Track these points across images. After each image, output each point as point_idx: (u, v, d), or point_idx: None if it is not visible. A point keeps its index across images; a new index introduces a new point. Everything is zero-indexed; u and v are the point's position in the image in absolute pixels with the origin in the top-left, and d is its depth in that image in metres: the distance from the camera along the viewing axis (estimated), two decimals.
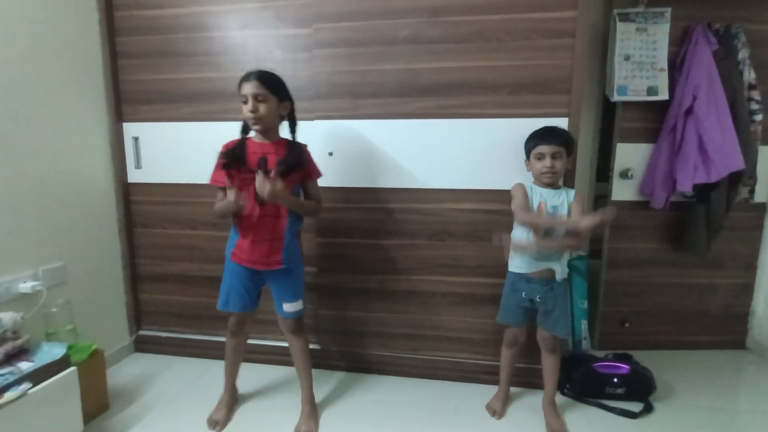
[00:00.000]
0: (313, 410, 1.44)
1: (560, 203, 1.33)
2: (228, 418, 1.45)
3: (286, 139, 1.34)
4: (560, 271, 1.34)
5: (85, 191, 1.67)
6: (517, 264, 1.38)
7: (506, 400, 1.53)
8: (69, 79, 1.58)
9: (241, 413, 1.49)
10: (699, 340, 1.99)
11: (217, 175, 1.31)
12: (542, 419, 1.44)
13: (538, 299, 1.35)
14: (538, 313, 1.39)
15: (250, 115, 1.23)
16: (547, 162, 1.30)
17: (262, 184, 1.17)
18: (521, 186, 1.36)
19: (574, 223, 1.24)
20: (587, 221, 1.17)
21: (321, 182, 1.64)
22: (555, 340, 1.40)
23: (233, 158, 1.26)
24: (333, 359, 1.78)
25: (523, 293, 1.37)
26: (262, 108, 1.23)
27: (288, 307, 1.37)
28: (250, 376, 1.71)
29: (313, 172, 1.38)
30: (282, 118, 1.32)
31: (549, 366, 1.42)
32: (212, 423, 1.41)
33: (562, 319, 1.37)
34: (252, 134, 1.33)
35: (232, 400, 1.52)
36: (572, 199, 1.34)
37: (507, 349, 1.49)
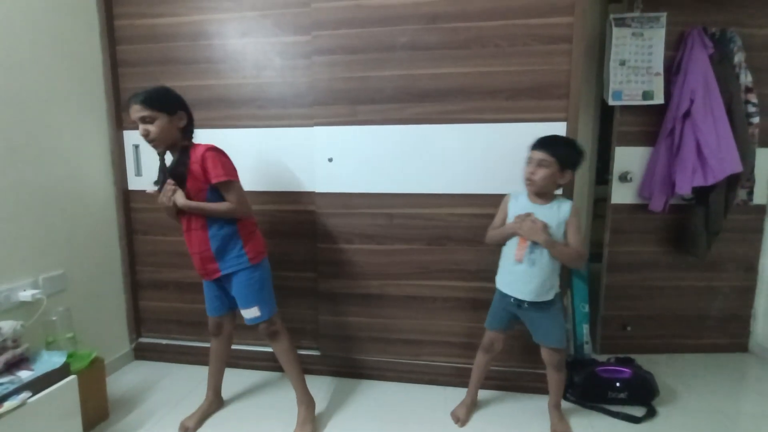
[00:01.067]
0: (309, 412, 1.43)
1: (550, 218, 1.27)
2: (199, 425, 1.44)
3: (187, 147, 1.29)
4: (549, 292, 1.31)
5: (86, 199, 1.67)
6: (501, 281, 1.38)
7: (473, 407, 1.50)
8: (70, 87, 1.60)
9: (240, 419, 1.49)
10: (701, 343, 1.98)
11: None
12: (546, 423, 1.43)
13: (525, 306, 1.32)
14: (529, 323, 1.36)
15: (143, 137, 1.24)
16: (531, 168, 1.27)
17: (161, 196, 1.26)
18: (504, 199, 1.38)
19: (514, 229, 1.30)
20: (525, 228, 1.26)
21: (322, 187, 1.65)
22: (558, 357, 1.36)
23: (158, 180, 1.31)
24: (333, 365, 1.77)
25: (512, 299, 1.33)
26: (153, 129, 1.22)
27: (245, 314, 1.35)
28: (250, 381, 1.71)
29: (211, 174, 1.25)
30: (183, 130, 1.29)
31: (555, 381, 1.40)
32: (182, 428, 1.41)
33: (553, 329, 1.33)
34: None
35: (211, 408, 1.51)
36: (567, 214, 1.27)
37: (482, 354, 1.46)
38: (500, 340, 1.43)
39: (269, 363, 1.80)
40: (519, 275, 1.31)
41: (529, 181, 1.27)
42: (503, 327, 1.41)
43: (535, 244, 1.26)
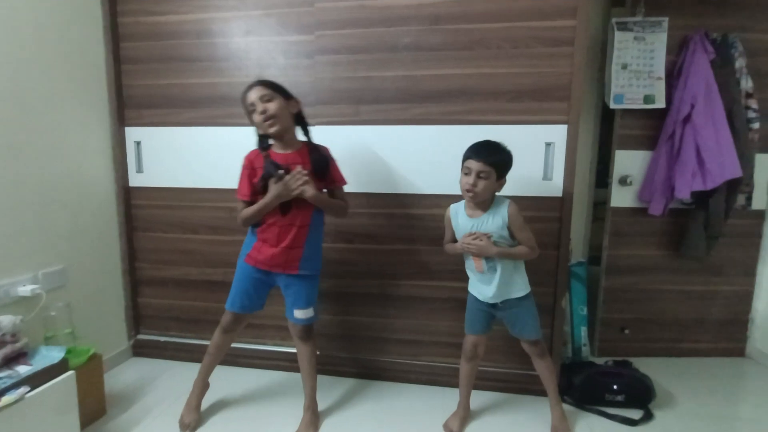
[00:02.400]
0: (314, 418, 1.43)
1: (492, 226, 1.27)
2: (201, 418, 1.45)
3: (306, 144, 1.34)
4: (523, 289, 1.33)
5: (87, 195, 1.67)
6: (472, 288, 1.39)
7: (466, 417, 1.47)
8: (73, 83, 1.60)
9: (241, 418, 1.49)
10: (699, 347, 1.99)
11: (243, 189, 1.32)
12: (545, 426, 1.43)
13: (500, 304, 1.34)
14: (506, 321, 1.37)
15: (261, 118, 1.23)
16: (471, 179, 1.22)
17: (292, 179, 1.20)
18: (446, 215, 1.38)
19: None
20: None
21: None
22: (537, 345, 1.38)
23: (267, 178, 1.26)
24: (333, 364, 1.77)
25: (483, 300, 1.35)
26: (272, 106, 1.23)
27: (299, 314, 1.37)
28: (251, 380, 1.71)
29: (337, 179, 1.38)
30: (294, 118, 1.32)
31: (543, 369, 1.40)
32: (183, 426, 1.40)
33: (529, 322, 1.35)
34: (272, 144, 1.33)
35: (202, 395, 1.50)
36: (506, 217, 1.26)
37: (467, 362, 1.43)
38: (482, 343, 1.42)
39: (266, 362, 1.80)
40: (485, 282, 1.33)
41: (471, 193, 1.24)
42: (483, 329, 1.40)
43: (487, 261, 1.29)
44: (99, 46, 1.70)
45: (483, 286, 1.34)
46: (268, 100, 1.24)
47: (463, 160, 1.27)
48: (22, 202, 1.41)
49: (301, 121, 1.36)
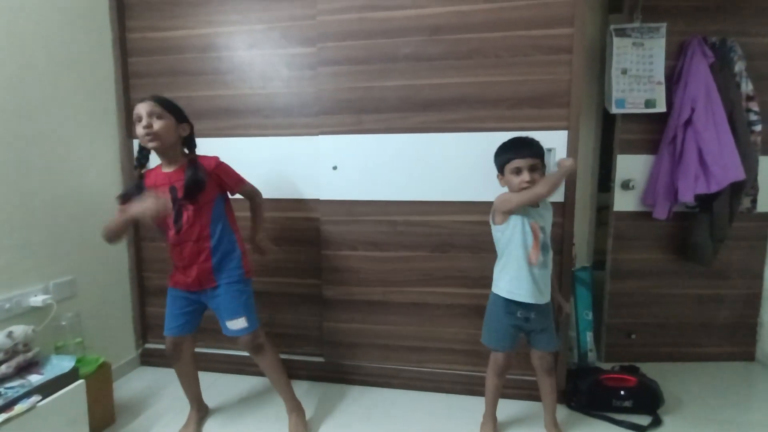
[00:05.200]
0: (300, 419, 1.44)
1: (546, 217, 1.31)
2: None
3: (187, 161, 1.30)
4: (548, 295, 1.32)
5: (95, 206, 1.70)
6: (511, 290, 1.29)
7: (496, 428, 1.45)
8: (82, 97, 1.64)
9: (234, 426, 1.50)
10: (707, 351, 1.97)
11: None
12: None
13: (533, 317, 1.30)
14: (533, 332, 1.34)
15: (143, 131, 1.21)
16: (526, 176, 1.23)
17: (149, 204, 1.14)
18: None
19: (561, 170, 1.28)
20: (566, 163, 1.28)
21: (326, 195, 1.68)
22: (553, 360, 1.37)
23: (128, 196, 1.23)
24: (337, 372, 1.78)
25: (518, 312, 1.29)
26: (157, 124, 1.22)
27: (231, 325, 1.32)
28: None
29: (231, 184, 1.36)
30: (183, 140, 1.31)
31: (548, 387, 1.39)
32: None
33: (553, 332, 1.35)
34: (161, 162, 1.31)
35: (200, 414, 1.52)
36: (548, 205, 1.34)
37: (497, 378, 1.39)
38: (513, 359, 1.39)
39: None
40: (536, 279, 1.26)
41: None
42: (515, 344, 1.36)
43: (545, 248, 1.27)
44: (108, 61, 1.75)
45: (535, 288, 1.26)
46: (157, 117, 1.22)
47: (505, 163, 1.27)
48: (33, 214, 1.45)
49: (190, 142, 1.34)
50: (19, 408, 1.07)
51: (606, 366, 1.70)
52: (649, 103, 1.78)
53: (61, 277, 1.54)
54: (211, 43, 1.72)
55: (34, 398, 1.12)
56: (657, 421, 1.48)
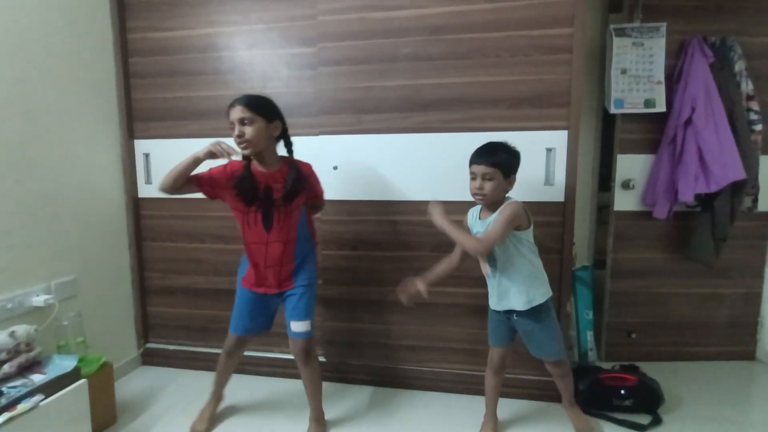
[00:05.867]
0: (320, 428, 1.44)
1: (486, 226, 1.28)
2: (211, 427, 1.47)
3: (286, 163, 1.32)
4: (523, 303, 1.27)
5: (97, 206, 1.71)
6: (490, 298, 1.37)
7: (496, 428, 1.45)
8: (83, 97, 1.65)
9: (247, 427, 1.50)
10: (707, 350, 1.97)
11: (203, 172, 1.29)
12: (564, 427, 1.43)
13: (514, 318, 1.31)
14: (524, 336, 1.35)
15: (237, 140, 1.22)
16: (477, 183, 1.23)
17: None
18: (466, 219, 1.37)
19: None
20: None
21: (328, 195, 1.67)
22: (559, 369, 1.36)
23: (244, 191, 1.26)
24: (337, 371, 1.78)
25: (501, 311, 1.34)
26: (249, 131, 1.21)
27: (296, 326, 1.35)
28: (259, 388, 1.73)
29: (319, 193, 1.44)
30: (275, 139, 1.31)
31: (561, 385, 1.42)
32: None
33: (548, 342, 1.32)
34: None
35: (217, 405, 1.53)
36: None
37: (494, 374, 1.41)
38: (508, 355, 1.42)
39: (273, 369, 1.81)
40: (494, 288, 1.34)
41: (480, 196, 1.24)
42: (505, 341, 1.39)
43: (490, 257, 1.29)
44: (109, 61, 1.75)
45: (495, 296, 1.34)
46: (247, 123, 1.21)
47: (469, 166, 1.27)
48: (35, 214, 1.45)
49: (285, 139, 1.34)
50: (21, 407, 1.07)
51: (606, 365, 1.71)
52: (648, 103, 1.78)
53: (63, 276, 1.55)
54: (211, 43, 1.72)
55: (37, 398, 1.12)
56: (657, 420, 1.48)
